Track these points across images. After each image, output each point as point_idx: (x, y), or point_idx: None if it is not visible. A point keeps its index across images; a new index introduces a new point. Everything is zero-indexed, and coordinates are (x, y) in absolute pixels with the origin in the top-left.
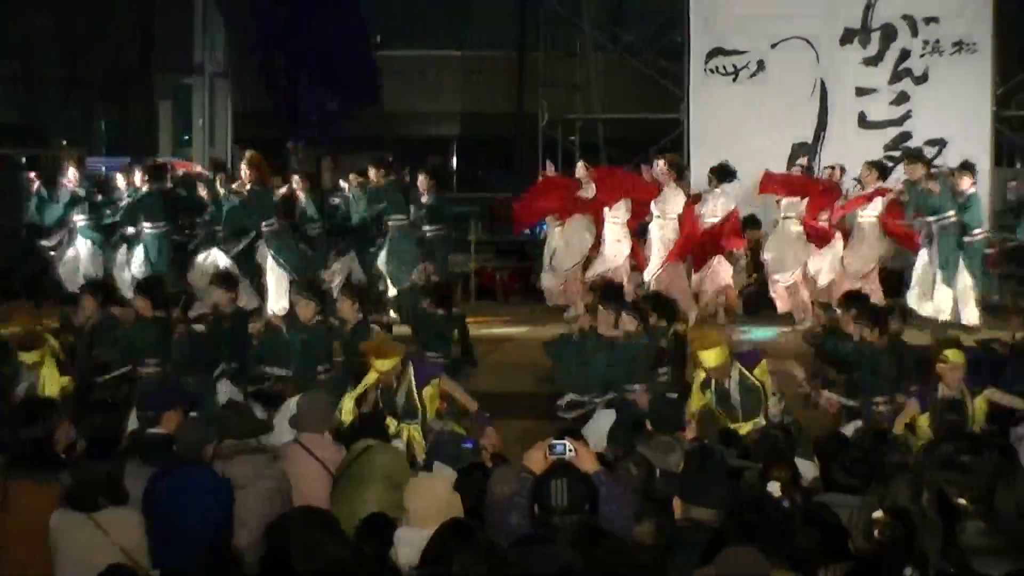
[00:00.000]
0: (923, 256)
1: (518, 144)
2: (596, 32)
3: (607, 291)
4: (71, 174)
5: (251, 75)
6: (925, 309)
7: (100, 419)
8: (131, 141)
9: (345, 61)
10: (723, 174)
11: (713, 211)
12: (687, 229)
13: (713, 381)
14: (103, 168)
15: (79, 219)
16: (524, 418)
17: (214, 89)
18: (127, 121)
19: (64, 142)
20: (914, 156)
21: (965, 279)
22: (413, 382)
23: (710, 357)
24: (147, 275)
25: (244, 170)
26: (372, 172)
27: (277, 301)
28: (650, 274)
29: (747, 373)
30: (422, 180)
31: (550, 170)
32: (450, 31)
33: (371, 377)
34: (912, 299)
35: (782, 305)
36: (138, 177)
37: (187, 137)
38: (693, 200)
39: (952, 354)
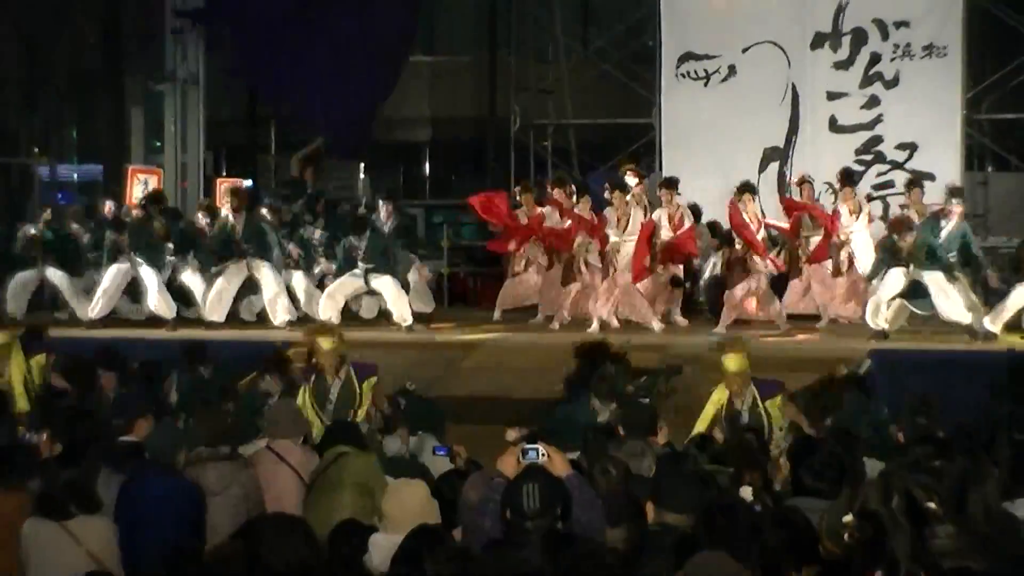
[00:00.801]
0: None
1: (490, 149)
2: (567, 37)
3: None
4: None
5: (224, 81)
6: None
7: (71, 427)
8: (102, 148)
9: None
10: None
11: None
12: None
13: (728, 399)
14: (75, 176)
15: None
16: (495, 423)
17: (186, 95)
18: (97, 128)
19: (36, 149)
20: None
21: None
22: (354, 376)
23: (731, 360)
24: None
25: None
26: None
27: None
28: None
29: (759, 400)
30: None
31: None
32: (418, 35)
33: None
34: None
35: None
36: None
37: (159, 144)
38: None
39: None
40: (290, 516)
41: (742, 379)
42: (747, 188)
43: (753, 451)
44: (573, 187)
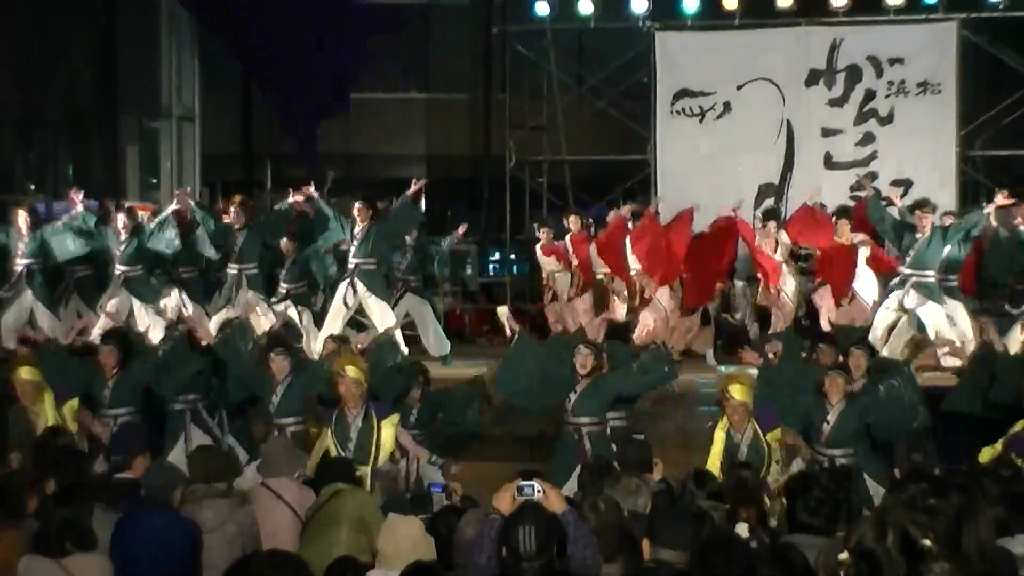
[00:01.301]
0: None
1: (485, 186)
2: (561, 73)
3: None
4: (22, 221)
5: (220, 117)
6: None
7: (67, 464)
8: (97, 184)
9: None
10: None
11: None
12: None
13: (728, 433)
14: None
15: (23, 262)
16: (492, 459)
17: (181, 132)
18: (93, 164)
19: (32, 186)
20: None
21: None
22: (375, 419)
23: (736, 390)
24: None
25: (236, 212)
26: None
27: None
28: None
29: (760, 433)
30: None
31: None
32: (413, 73)
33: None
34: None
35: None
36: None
37: (154, 180)
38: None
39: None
40: (286, 553)
41: (745, 410)
42: (771, 215)
43: (749, 487)
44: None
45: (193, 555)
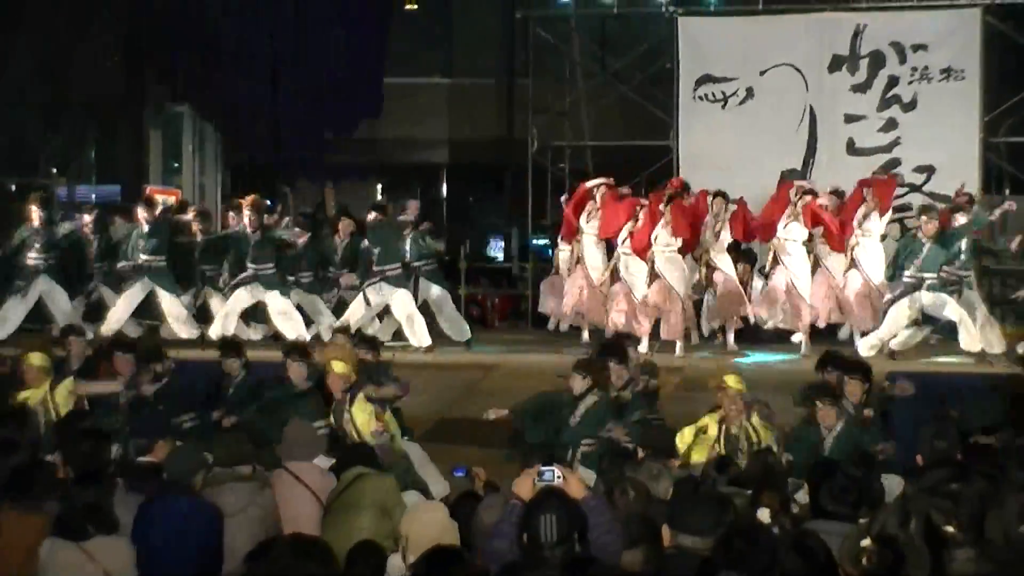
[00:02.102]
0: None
1: (508, 171)
2: (585, 59)
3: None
4: (34, 214)
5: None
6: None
7: (88, 447)
8: (120, 169)
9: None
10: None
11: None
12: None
13: (723, 425)
14: (93, 196)
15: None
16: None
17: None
18: (116, 149)
19: (54, 170)
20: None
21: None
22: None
23: (732, 379)
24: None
25: (248, 214)
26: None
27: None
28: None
29: (752, 426)
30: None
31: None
32: (437, 58)
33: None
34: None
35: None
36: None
37: (176, 164)
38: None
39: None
40: (308, 536)
41: (741, 400)
42: (809, 191)
43: (774, 473)
44: None
45: (214, 539)
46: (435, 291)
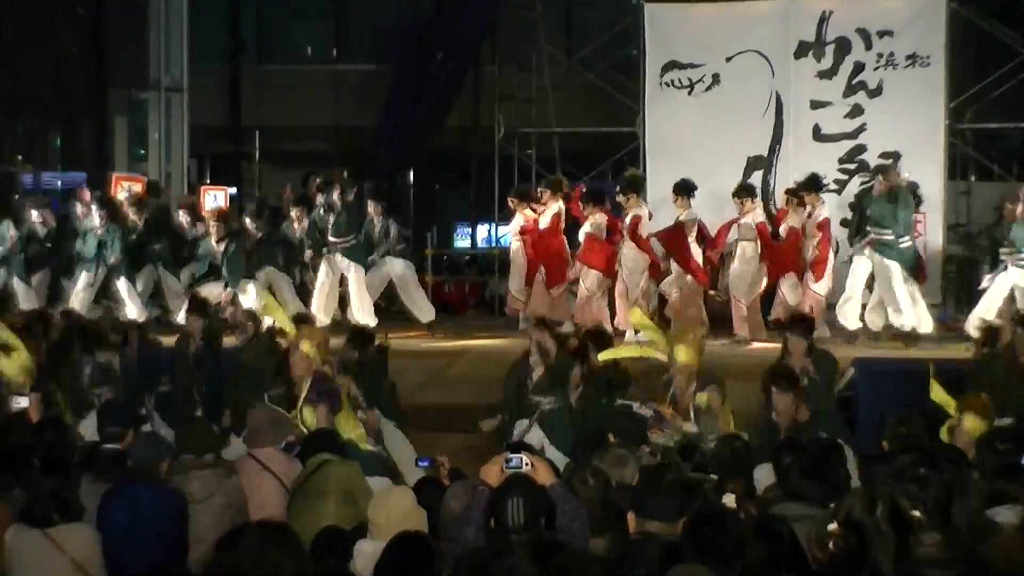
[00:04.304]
0: (863, 267)
1: (474, 158)
2: (551, 46)
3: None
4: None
5: (208, 89)
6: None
7: (52, 435)
8: (85, 156)
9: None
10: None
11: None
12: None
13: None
14: (59, 183)
15: None
16: (463, 430)
17: (170, 103)
18: (81, 135)
19: (19, 157)
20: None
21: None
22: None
23: (682, 351)
24: None
25: (213, 224)
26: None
27: None
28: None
29: (709, 402)
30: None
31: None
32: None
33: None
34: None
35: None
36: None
37: (142, 152)
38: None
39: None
40: (275, 523)
41: (689, 373)
42: (746, 191)
43: (738, 458)
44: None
45: (180, 526)
46: (399, 267)
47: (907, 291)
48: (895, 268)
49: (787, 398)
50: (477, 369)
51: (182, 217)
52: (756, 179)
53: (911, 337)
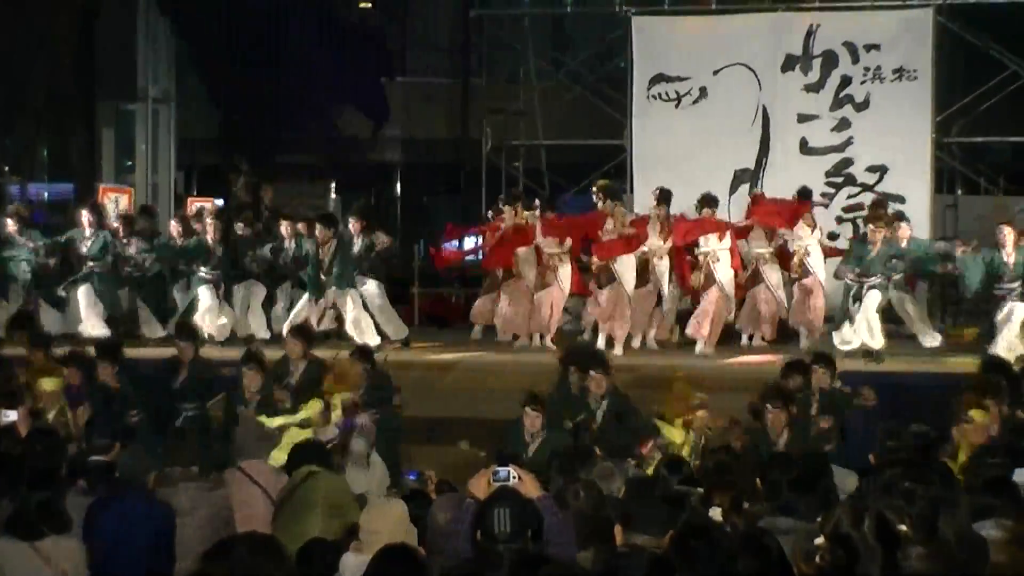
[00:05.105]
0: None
1: (462, 170)
2: (539, 59)
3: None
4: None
5: (196, 101)
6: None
7: (41, 447)
8: (73, 167)
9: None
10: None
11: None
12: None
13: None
14: (46, 195)
15: None
16: (471, 444)
17: (157, 116)
18: (69, 146)
19: (6, 168)
20: (877, 216)
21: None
22: None
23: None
24: None
25: (210, 223)
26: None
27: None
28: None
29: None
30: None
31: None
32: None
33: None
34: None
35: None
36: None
37: (130, 163)
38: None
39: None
40: (263, 535)
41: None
42: (708, 201)
43: (725, 472)
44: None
45: (167, 538)
46: (370, 287)
47: (876, 317)
48: (874, 296)
49: (781, 416)
50: (468, 381)
51: (173, 228)
52: (743, 192)
53: (872, 355)
